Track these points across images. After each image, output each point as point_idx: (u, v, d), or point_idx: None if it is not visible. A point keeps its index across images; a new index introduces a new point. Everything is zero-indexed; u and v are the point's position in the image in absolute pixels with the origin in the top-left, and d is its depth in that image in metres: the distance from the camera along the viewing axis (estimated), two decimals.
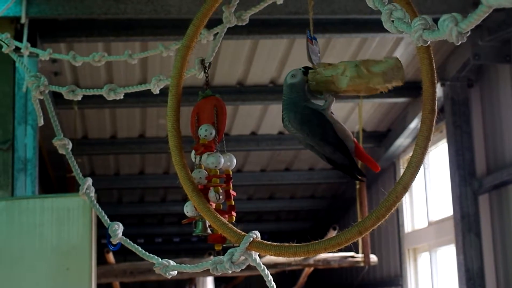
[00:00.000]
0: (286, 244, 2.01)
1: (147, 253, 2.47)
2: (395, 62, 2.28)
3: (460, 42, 1.36)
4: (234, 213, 2.37)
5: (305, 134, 2.43)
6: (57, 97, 7.79)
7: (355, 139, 2.47)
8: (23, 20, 6.26)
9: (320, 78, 2.39)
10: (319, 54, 2.56)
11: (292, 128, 2.45)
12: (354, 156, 2.45)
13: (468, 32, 1.34)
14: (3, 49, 3.32)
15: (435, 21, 1.46)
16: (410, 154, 1.88)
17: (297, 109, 2.42)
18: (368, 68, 2.29)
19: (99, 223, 2.73)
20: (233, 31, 6.62)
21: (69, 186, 8.60)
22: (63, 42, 7.19)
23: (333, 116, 2.44)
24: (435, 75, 1.87)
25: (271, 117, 9.72)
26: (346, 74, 2.31)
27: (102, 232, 2.87)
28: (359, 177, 2.49)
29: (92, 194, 2.70)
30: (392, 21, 1.59)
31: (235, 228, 2.12)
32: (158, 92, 2.90)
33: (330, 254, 9.20)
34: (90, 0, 6.46)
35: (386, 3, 1.65)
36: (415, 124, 9.31)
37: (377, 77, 2.28)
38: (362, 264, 9.43)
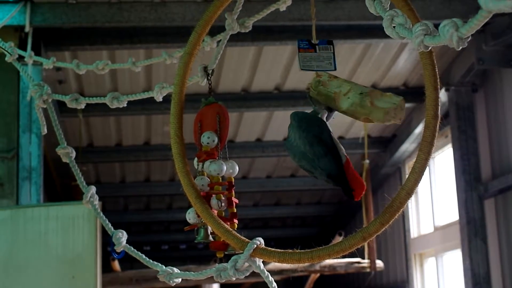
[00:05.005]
0: (290, 250, 2.00)
1: (151, 261, 2.46)
2: (400, 104, 2.22)
3: (460, 48, 1.36)
4: (236, 221, 2.36)
5: (301, 131, 2.31)
6: (62, 106, 7.79)
7: (348, 158, 2.35)
8: (27, 29, 6.28)
9: (323, 90, 2.35)
10: (332, 59, 2.53)
11: (294, 122, 2.35)
12: (344, 170, 2.30)
13: (469, 37, 1.34)
14: (6, 58, 3.32)
15: (439, 26, 1.45)
16: None
17: (301, 113, 2.40)
18: (372, 101, 2.22)
19: (105, 230, 2.73)
20: (237, 38, 6.66)
21: (75, 194, 8.59)
22: (67, 50, 7.20)
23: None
24: (438, 80, 1.87)
25: (276, 124, 9.72)
26: (348, 96, 2.26)
27: (108, 240, 2.86)
28: (346, 193, 2.29)
29: (96, 202, 2.70)
30: (394, 26, 1.59)
31: (238, 235, 2.11)
32: (161, 99, 2.90)
33: (336, 260, 9.17)
34: (94, 9, 6.47)
35: (388, 9, 1.65)
36: (420, 129, 9.28)
37: (378, 112, 2.23)
38: (368, 270, 9.42)
